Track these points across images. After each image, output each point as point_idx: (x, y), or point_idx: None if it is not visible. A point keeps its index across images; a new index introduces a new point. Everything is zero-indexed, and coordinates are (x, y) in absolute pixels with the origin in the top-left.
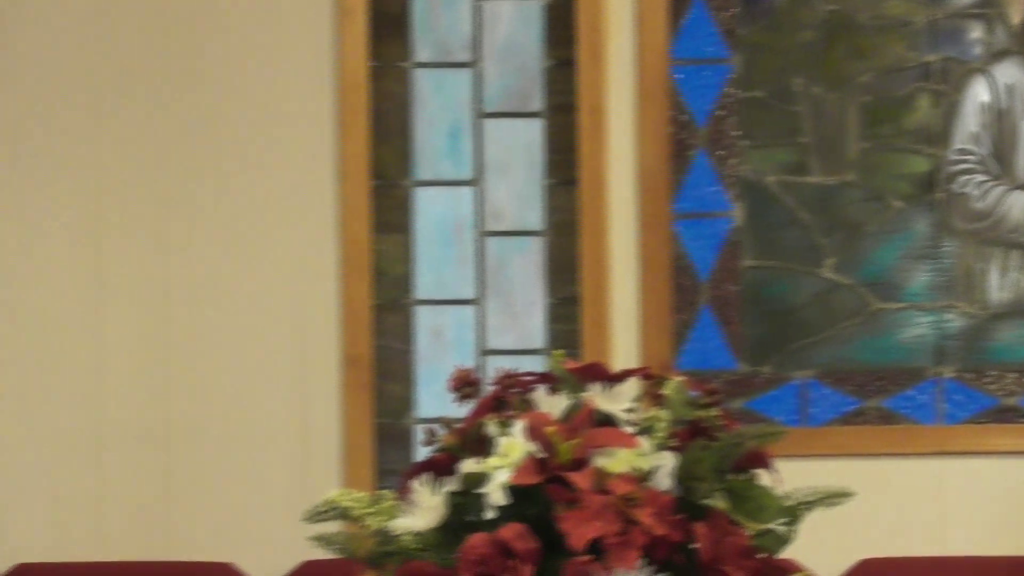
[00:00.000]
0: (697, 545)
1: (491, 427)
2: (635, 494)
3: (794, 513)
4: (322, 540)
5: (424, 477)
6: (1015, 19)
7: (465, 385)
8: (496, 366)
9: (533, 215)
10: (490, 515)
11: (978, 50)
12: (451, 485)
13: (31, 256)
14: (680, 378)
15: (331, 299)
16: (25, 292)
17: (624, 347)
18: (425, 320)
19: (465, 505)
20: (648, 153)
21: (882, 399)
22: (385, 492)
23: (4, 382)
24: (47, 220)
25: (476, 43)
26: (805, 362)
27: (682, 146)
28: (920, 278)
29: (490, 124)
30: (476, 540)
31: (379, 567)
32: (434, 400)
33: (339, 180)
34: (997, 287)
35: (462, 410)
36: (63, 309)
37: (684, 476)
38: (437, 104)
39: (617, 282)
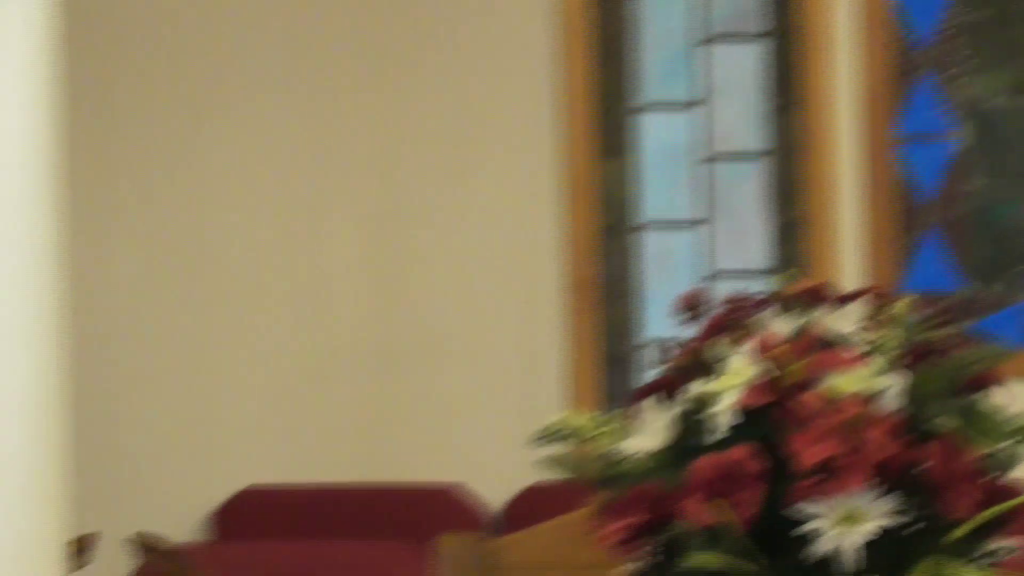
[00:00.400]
0: (928, 465)
1: (720, 348)
2: (865, 414)
3: None
4: (550, 462)
5: (653, 398)
6: None
7: (693, 306)
8: (722, 288)
9: (758, 138)
10: (719, 436)
11: None
12: (679, 406)
13: (255, 182)
14: (910, 297)
15: (555, 222)
16: (250, 217)
17: (849, 268)
18: (651, 243)
19: (694, 426)
20: (872, 75)
21: None
22: (613, 414)
23: (230, 307)
24: (270, 147)
25: None
26: None
27: (906, 68)
28: None
29: (715, 47)
30: (705, 461)
31: (607, 488)
32: (660, 322)
33: (562, 104)
34: None
35: (689, 332)
36: (287, 233)
37: (914, 396)
38: (661, 27)
39: (842, 204)
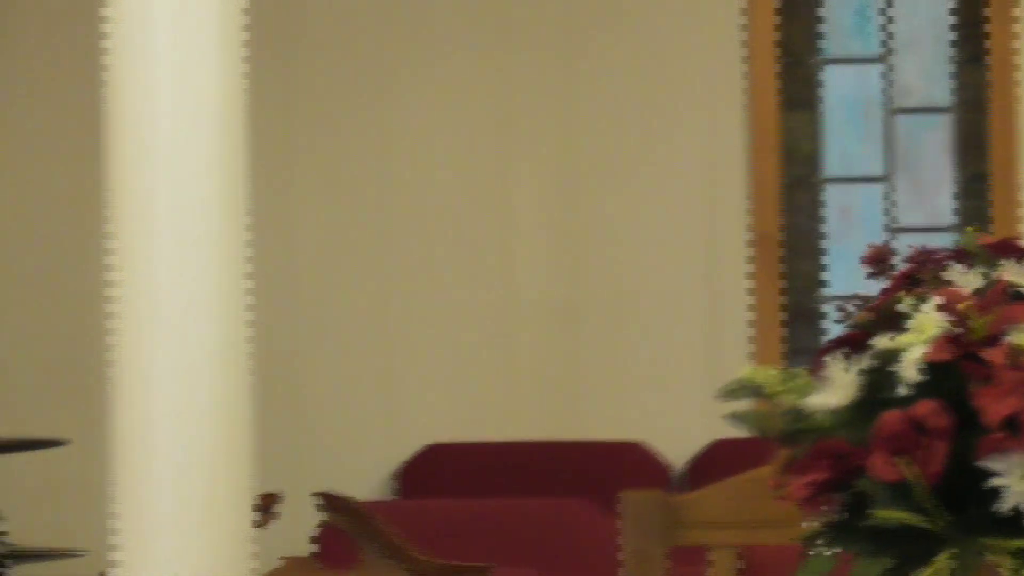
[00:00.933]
0: None
1: (904, 303)
2: None
3: None
4: (736, 418)
5: (838, 354)
6: None
7: (878, 261)
8: (905, 243)
9: (942, 92)
10: (904, 392)
11: None
12: (864, 362)
13: (441, 143)
14: None
15: (740, 176)
16: (435, 178)
17: None
18: (834, 198)
19: (878, 382)
20: None
21: None
22: (798, 369)
23: (414, 267)
24: (456, 108)
25: None
26: None
27: None
28: None
29: (898, 1)
30: (890, 417)
31: (791, 444)
32: (843, 277)
33: (747, 58)
34: None
35: (873, 287)
36: (472, 193)
37: None
38: None
39: None
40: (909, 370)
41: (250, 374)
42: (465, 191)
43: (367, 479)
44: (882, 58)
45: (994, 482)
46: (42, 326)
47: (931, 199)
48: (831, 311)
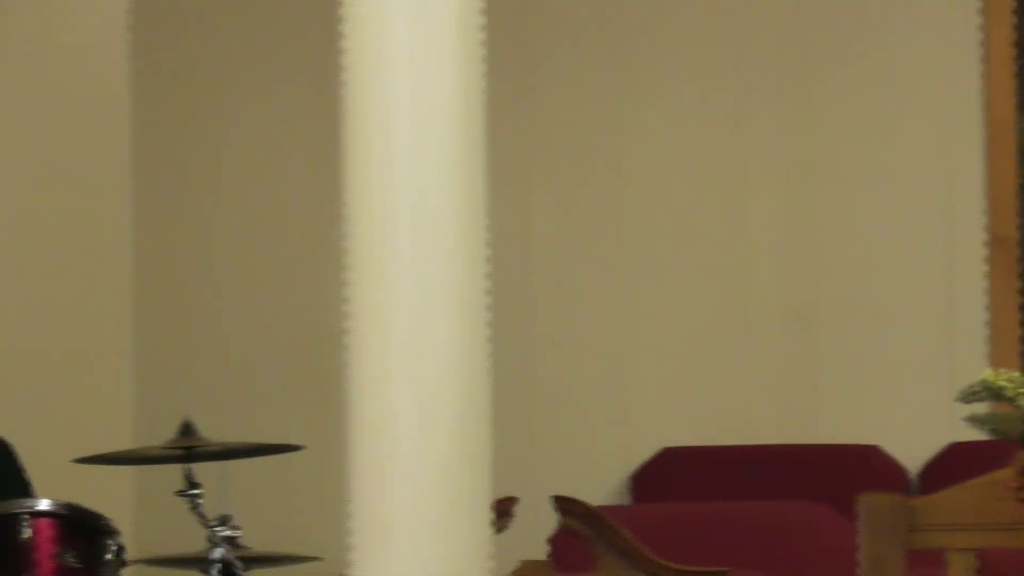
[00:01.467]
0: None
1: None
2: None
3: None
4: (975, 421)
5: None
6: None
7: None
8: None
9: None
10: None
11: None
12: None
13: (675, 144)
14: None
15: (976, 179)
16: (670, 180)
17: None
18: None
19: None
20: None
21: None
22: None
23: (647, 270)
24: (688, 109)
25: None
26: None
27: None
28: None
29: None
30: None
31: None
32: None
33: (984, 59)
34: None
35: None
36: (706, 196)
37: None
38: None
39: None
40: None
41: (487, 379)
42: (699, 194)
43: (601, 483)
44: None
45: None
46: (277, 332)
47: None
48: None
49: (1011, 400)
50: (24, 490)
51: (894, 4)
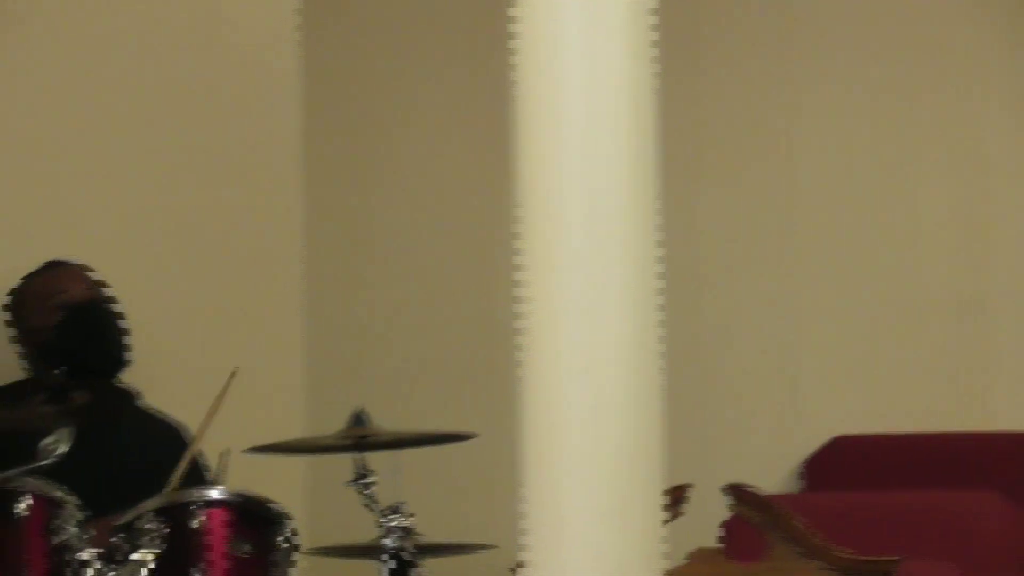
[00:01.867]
0: None
1: None
2: None
3: None
4: None
5: None
6: None
7: None
8: None
9: None
10: None
11: None
12: None
13: (845, 133)
14: None
15: None
16: (839, 169)
17: None
18: None
19: None
20: None
21: None
22: None
23: (817, 259)
24: (861, 99)
25: None
26: None
27: None
28: None
29: None
30: None
31: None
32: None
33: None
34: None
35: None
36: (877, 186)
37: None
38: None
39: None
40: None
41: (659, 369)
42: (869, 183)
43: (773, 472)
44: None
45: None
46: (450, 322)
47: None
48: None
49: None
50: (201, 479)
51: None
